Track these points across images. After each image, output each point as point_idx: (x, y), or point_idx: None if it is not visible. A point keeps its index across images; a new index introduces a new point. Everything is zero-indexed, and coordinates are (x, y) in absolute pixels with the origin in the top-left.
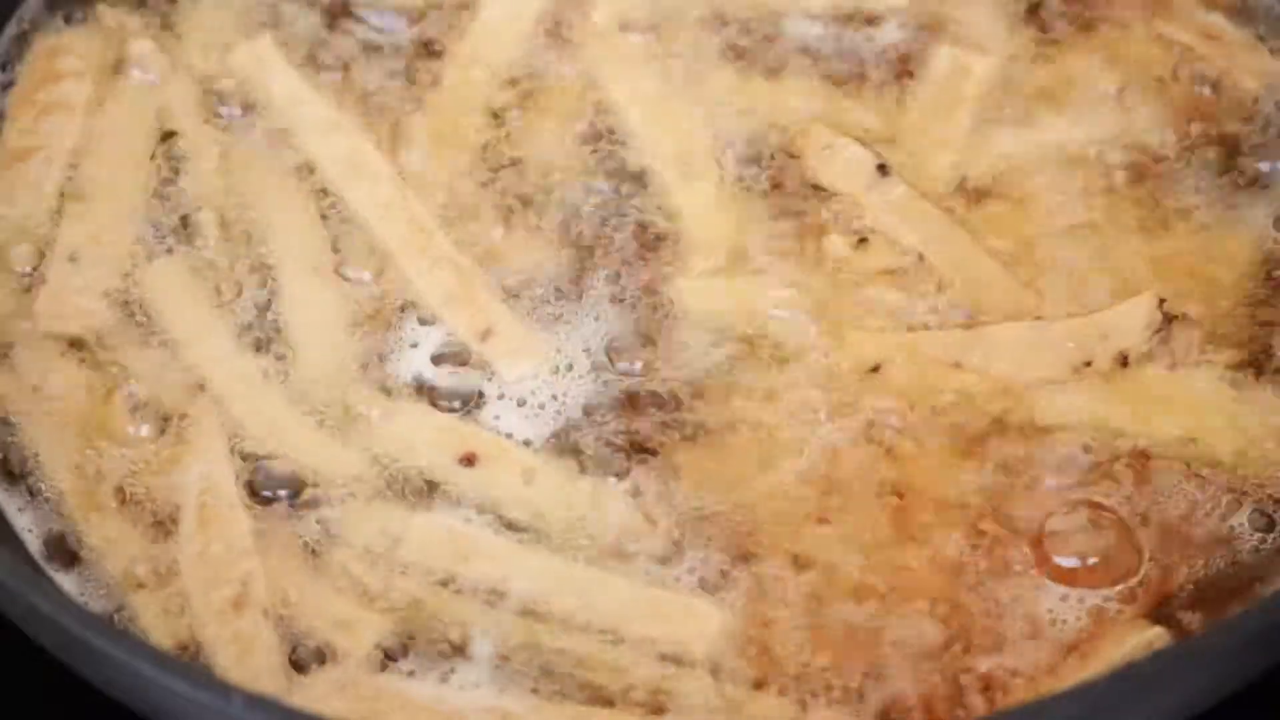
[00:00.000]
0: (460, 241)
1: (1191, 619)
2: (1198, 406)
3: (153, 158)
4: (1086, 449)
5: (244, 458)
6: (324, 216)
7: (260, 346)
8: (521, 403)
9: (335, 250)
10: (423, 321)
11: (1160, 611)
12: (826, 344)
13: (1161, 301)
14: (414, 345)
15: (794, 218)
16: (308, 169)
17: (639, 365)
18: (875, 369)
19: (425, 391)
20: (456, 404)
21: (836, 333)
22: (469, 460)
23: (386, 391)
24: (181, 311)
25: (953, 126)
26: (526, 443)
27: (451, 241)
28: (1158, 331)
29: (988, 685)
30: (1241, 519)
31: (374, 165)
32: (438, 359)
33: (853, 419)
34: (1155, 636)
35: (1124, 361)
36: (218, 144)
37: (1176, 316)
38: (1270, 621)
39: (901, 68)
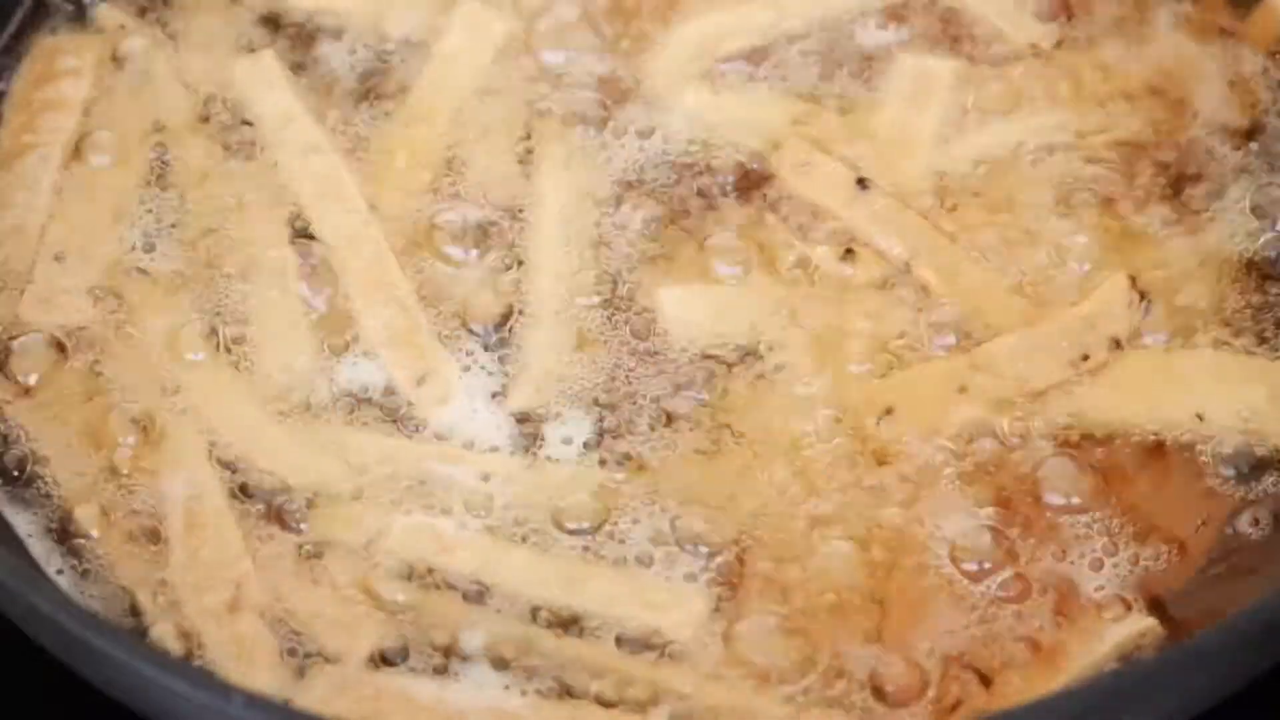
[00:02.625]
0: (419, 262)
1: (1187, 611)
2: (1200, 380)
3: (143, 160)
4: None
5: (225, 463)
6: (294, 230)
7: (228, 354)
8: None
9: (302, 266)
10: (366, 353)
11: (1156, 604)
12: (818, 364)
13: (1133, 280)
14: (357, 363)
15: (777, 230)
16: (285, 187)
17: (619, 374)
18: (885, 414)
19: (381, 405)
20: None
21: (832, 352)
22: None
23: (352, 402)
24: (158, 313)
25: (923, 132)
26: (493, 449)
27: (409, 278)
28: (1141, 303)
29: (986, 677)
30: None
31: (347, 194)
32: (386, 390)
33: (851, 447)
34: (1147, 628)
35: (1118, 345)
36: (206, 150)
37: (1149, 292)
38: (1270, 621)
39: (868, 77)
